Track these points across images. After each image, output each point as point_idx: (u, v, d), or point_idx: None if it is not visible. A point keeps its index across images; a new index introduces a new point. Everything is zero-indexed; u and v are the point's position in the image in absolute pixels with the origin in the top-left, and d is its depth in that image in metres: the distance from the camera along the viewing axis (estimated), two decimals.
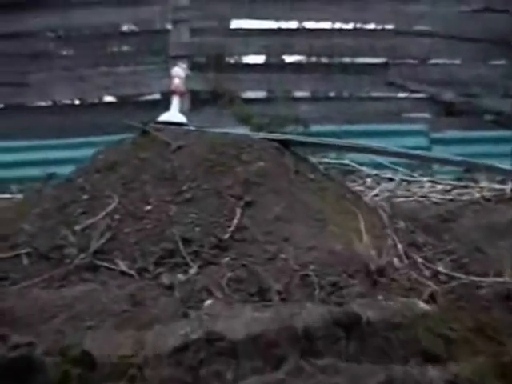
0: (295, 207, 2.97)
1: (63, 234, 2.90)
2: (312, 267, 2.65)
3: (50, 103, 8.64)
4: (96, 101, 8.77)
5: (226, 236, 2.79)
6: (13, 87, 8.21)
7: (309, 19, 8.47)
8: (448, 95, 8.15)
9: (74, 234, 2.89)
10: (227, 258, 2.72)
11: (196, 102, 7.91)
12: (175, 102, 3.65)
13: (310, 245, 2.77)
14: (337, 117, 7.79)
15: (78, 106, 8.74)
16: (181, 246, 2.76)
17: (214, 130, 3.40)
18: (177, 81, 3.72)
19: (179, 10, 8.04)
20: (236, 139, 3.24)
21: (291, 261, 2.68)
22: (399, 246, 3.02)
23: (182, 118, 3.62)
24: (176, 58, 7.90)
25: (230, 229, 2.81)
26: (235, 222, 2.84)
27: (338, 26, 8.74)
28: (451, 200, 4.25)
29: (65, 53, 8.64)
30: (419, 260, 3.00)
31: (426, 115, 8.35)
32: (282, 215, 2.91)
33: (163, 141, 3.25)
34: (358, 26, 8.54)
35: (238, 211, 2.88)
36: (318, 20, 8.47)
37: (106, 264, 2.77)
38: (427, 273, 2.92)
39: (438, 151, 7.15)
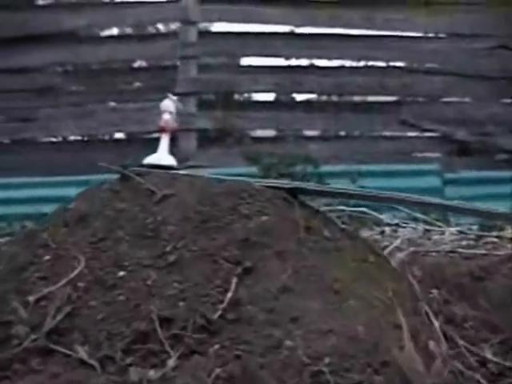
0: (306, 275, 2.19)
1: (13, 306, 2.13)
2: (327, 360, 1.89)
3: (56, 139, 7.93)
4: (103, 138, 8.04)
5: (217, 315, 2.02)
6: (19, 122, 7.53)
7: (319, 57, 7.73)
8: (461, 134, 7.42)
9: (26, 307, 2.13)
10: (216, 346, 1.95)
11: (203, 140, 7.22)
12: (164, 141, 2.88)
13: (325, 328, 2.00)
14: (348, 156, 7.08)
15: (85, 142, 8.00)
16: (158, 328, 1.99)
17: (209, 176, 2.61)
18: (166, 116, 2.93)
19: (188, 46, 7.35)
20: (234, 187, 2.46)
21: (300, 351, 1.92)
22: (436, 323, 2.25)
23: (170, 161, 2.85)
24: (183, 95, 7.21)
25: (223, 305, 2.04)
26: (229, 295, 2.07)
27: (348, 63, 8.03)
28: (484, 255, 3.46)
29: (73, 88, 7.94)
30: (461, 342, 2.22)
31: (439, 155, 7.59)
32: (289, 286, 2.14)
33: (146, 188, 2.49)
34: (369, 63, 7.79)
35: (234, 280, 2.12)
36: (328, 58, 7.74)
37: (61, 349, 2.01)
38: (473, 361, 2.15)
39: (452, 192, 6.47)
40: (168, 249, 2.24)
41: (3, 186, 6.68)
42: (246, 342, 1.94)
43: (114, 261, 2.24)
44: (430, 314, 2.30)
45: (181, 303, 2.06)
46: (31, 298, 2.14)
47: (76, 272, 2.20)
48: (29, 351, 2.01)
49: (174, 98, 2.98)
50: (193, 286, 2.12)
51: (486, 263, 3.37)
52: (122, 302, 2.10)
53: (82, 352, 1.97)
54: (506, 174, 6.85)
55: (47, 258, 2.32)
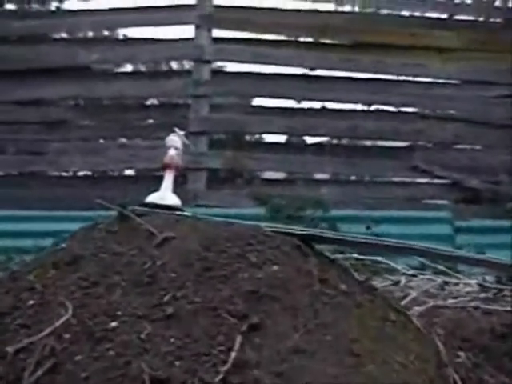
0: (320, 334, 1.89)
1: None
2: None
3: (66, 174, 7.70)
4: (112, 174, 7.80)
5: (218, 378, 1.71)
6: (29, 155, 7.31)
7: (331, 100, 7.51)
8: (473, 182, 7.16)
9: (3, 359, 1.83)
10: None
11: (213, 180, 6.98)
12: (168, 178, 2.60)
13: None
14: (358, 201, 6.82)
15: (94, 178, 7.76)
16: None
17: (216, 219, 2.32)
18: (172, 152, 2.66)
19: (200, 84, 7.14)
20: (243, 232, 2.17)
21: None
22: None
23: (174, 200, 2.56)
24: (195, 134, 6.99)
25: (225, 367, 1.73)
26: (233, 355, 1.76)
27: (360, 107, 7.80)
28: (506, 311, 3.15)
29: (85, 123, 7.72)
30: None
31: (450, 202, 7.32)
32: (300, 346, 1.84)
33: (145, 230, 2.20)
34: (382, 108, 7.56)
35: (239, 338, 1.81)
36: (340, 101, 7.52)
37: None
38: None
39: (462, 240, 6.19)
40: (166, 299, 1.94)
41: (7, 219, 6.40)
42: None
43: (106, 309, 1.94)
44: (458, 382, 1.99)
45: (177, 362, 1.76)
46: (10, 349, 1.84)
47: (62, 320, 1.91)
48: None
49: (182, 132, 2.70)
50: (192, 342, 1.82)
51: (507, 320, 3.08)
52: (111, 357, 1.80)
53: None
54: None
55: (31, 302, 2.03)
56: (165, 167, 2.65)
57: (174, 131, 2.71)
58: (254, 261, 2.04)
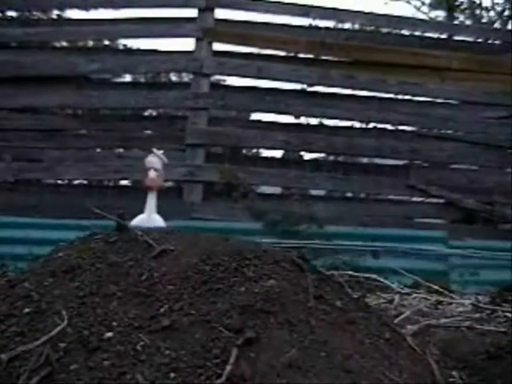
0: (315, 350, 1.90)
1: None
2: None
3: (61, 182, 7.68)
4: (108, 184, 7.81)
5: None
6: (25, 162, 7.28)
7: (330, 116, 7.53)
8: (468, 202, 7.18)
9: None
10: None
11: (209, 193, 6.98)
12: (151, 200, 2.61)
13: None
14: (353, 218, 6.82)
15: (89, 187, 7.74)
16: None
17: (212, 235, 2.33)
18: (152, 174, 2.67)
19: (199, 97, 7.16)
20: (240, 247, 2.19)
21: None
22: None
23: (159, 222, 2.58)
24: (192, 146, 7.02)
25: (220, 380, 1.74)
26: (228, 368, 1.77)
27: (358, 125, 7.84)
28: (500, 332, 3.16)
29: (82, 132, 7.72)
30: None
31: (445, 221, 7.35)
32: (295, 361, 1.85)
33: (143, 241, 2.21)
34: (380, 126, 7.59)
35: (234, 352, 1.82)
36: (338, 118, 7.55)
37: None
38: None
39: (456, 259, 6.23)
40: (162, 310, 1.96)
41: (2, 225, 6.38)
42: None
43: (102, 320, 1.95)
44: None
45: (172, 374, 1.77)
46: (4, 357, 1.85)
47: (58, 329, 1.91)
48: None
49: (160, 152, 2.73)
50: (187, 354, 1.83)
51: (501, 341, 3.09)
52: (105, 367, 1.81)
53: None
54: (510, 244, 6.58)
55: (27, 310, 2.04)
56: (146, 189, 2.68)
57: (151, 151, 2.74)
58: (250, 275, 2.06)
